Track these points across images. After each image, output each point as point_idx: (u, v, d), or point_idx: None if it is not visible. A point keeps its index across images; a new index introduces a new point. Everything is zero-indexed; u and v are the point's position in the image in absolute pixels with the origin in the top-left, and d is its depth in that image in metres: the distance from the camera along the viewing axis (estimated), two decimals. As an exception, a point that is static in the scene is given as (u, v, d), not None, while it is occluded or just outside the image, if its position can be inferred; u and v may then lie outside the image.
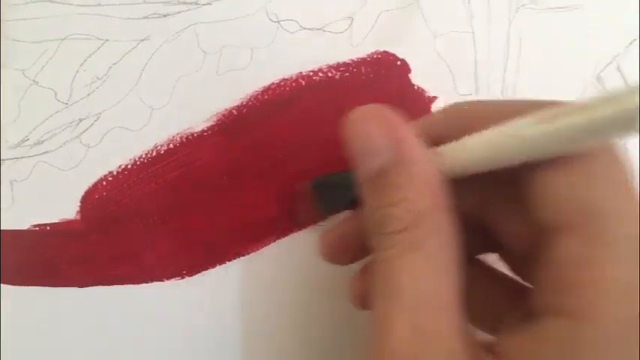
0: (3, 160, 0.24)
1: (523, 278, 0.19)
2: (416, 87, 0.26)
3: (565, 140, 0.14)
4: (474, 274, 0.19)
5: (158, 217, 0.25)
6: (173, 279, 0.25)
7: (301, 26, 0.25)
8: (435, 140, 0.16)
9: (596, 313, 0.14)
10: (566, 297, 0.14)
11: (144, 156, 0.25)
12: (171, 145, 0.25)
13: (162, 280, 0.25)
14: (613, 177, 0.15)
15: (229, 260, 0.25)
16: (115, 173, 0.25)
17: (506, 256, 0.20)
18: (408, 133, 0.15)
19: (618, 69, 0.27)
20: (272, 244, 0.25)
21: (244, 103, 0.25)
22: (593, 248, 0.14)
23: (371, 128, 0.15)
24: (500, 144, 0.15)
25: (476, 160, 0.16)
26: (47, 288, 0.24)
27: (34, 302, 0.24)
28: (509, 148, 0.15)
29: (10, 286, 0.24)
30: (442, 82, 0.26)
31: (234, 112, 0.25)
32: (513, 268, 0.20)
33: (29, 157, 0.24)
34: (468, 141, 0.16)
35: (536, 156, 0.15)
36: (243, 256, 0.25)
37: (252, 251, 0.25)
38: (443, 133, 0.16)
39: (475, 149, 0.15)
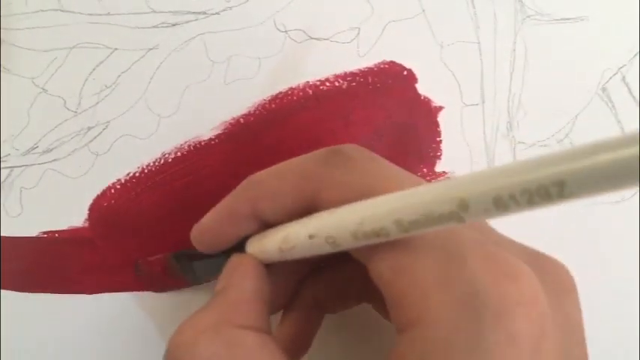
0: (12, 167, 0.25)
1: None
2: (422, 97, 0.26)
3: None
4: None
5: (166, 224, 0.25)
6: (181, 287, 0.25)
7: (309, 36, 0.26)
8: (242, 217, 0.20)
9: (421, 316, 0.15)
10: (398, 312, 0.16)
11: (152, 164, 0.25)
12: (178, 154, 0.25)
13: (173, 290, 0.25)
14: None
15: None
16: (123, 181, 0.25)
17: None
18: (243, 268, 0.19)
19: (623, 80, 0.27)
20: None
21: (252, 111, 0.25)
22: (398, 260, 0.16)
23: (227, 267, 0.20)
24: (283, 250, 0.18)
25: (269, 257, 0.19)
26: (51, 295, 0.25)
27: (36, 309, 0.24)
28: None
29: (12, 293, 0.24)
30: (448, 92, 0.26)
31: (242, 120, 0.25)
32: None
33: (38, 164, 0.25)
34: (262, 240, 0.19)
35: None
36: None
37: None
38: (244, 208, 0.19)
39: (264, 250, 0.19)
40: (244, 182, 0.20)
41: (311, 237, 0.17)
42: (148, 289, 0.25)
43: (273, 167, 0.20)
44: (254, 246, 0.20)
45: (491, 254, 0.15)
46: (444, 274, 0.15)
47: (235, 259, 0.20)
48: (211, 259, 0.21)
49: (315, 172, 0.18)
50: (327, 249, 0.17)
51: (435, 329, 0.14)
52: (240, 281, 0.19)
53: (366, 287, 0.21)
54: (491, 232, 0.18)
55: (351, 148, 0.19)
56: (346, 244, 0.16)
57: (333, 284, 0.22)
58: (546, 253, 0.17)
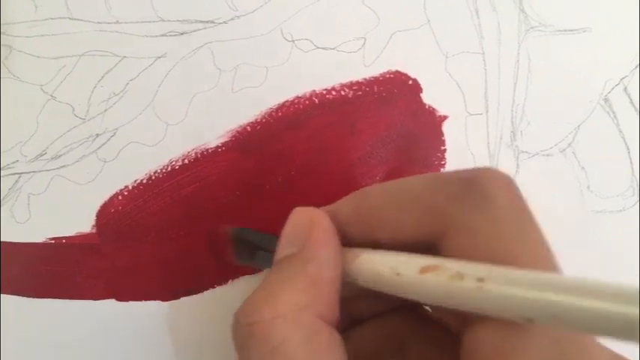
0: (21, 173, 0.25)
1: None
2: (427, 106, 0.26)
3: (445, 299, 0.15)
4: (418, 324, 0.20)
5: (172, 231, 0.25)
6: (188, 295, 0.25)
7: (315, 45, 0.26)
8: (346, 232, 0.18)
9: None
10: None
11: (159, 171, 0.25)
12: (186, 161, 0.25)
13: (178, 297, 0.25)
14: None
15: (245, 274, 0.25)
16: (130, 188, 0.25)
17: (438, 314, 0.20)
18: (321, 235, 0.17)
19: (625, 90, 0.27)
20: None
21: (258, 120, 0.25)
22: (509, 339, 0.14)
23: (297, 223, 0.18)
24: (386, 278, 0.16)
25: (365, 281, 0.17)
26: (57, 300, 0.25)
27: (41, 314, 0.25)
28: (392, 285, 0.16)
29: (18, 297, 0.25)
30: (453, 102, 0.26)
31: (249, 128, 0.25)
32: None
33: (46, 171, 0.25)
34: (357, 259, 0.17)
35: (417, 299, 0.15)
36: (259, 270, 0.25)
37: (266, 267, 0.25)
38: (353, 229, 0.18)
39: (364, 271, 0.17)
40: (358, 202, 0.18)
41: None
42: (159, 299, 0.25)
43: (396, 189, 0.17)
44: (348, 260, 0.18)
45: None
46: None
47: (305, 214, 0.18)
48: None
49: (444, 207, 0.16)
50: (440, 299, 0.15)
51: None
52: (319, 252, 0.17)
53: (404, 346, 0.20)
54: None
55: (490, 180, 0.15)
56: (473, 307, 0.14)
57: (368, 339, 0.20)
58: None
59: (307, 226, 0.17)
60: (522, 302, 0.13)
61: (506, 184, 0.16)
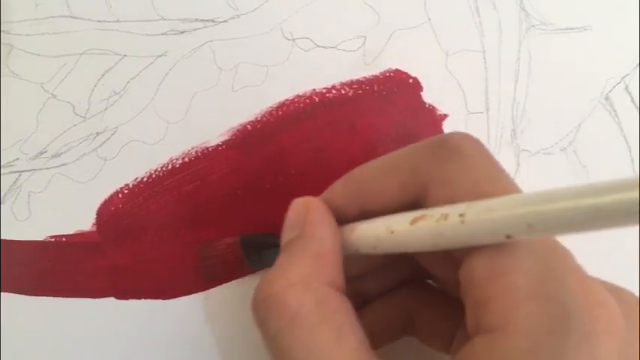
0: (21, 171, 0.25)
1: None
2: (427, 105, 0.26)
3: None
4: (424, 296, 0.22)
5: (172, 229, 0.25)
6: (187, 293, 0.25)
7: (315, 44, 0.26)
8: (341, 212, 0.20)
9: (507, 323, 0.15)
10: (481, 313, 0.15)
11: (159, 169, 0.25)
12: (186, 159, 0.25)
13: (177, 296, 0.25)
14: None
15: (246, 275, 0.25)
16: (130, 186, 0.25)
17: (440, 282, 0.22)
18: (316, 216, 0.19)
19: (626, 89, 0.27)
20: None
21: (259, 118, 0.25)
22: (498, 262, 0.15)
23: (295, 210, 0.20)
24: (383, 238, 0.18)
25: (366, 248, 0.18)
26: (56, 298, 0.25)
27: (40, 311, 0.25)
28: (389, 243, 0.17)
29: (18, 295, 0.25)
30: (453, 100, 0.26)
31: (249, 127, 0.25)
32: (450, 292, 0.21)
33: (47, 169, 0.25)
34: (355, 230, 0.19)
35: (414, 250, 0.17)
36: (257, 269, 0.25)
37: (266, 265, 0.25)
38: (347, 208, 0.20)
39: (363, 239, 0.18)
40: (347, 181, 0.20)
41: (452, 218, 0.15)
42: (159, 297, 0.25)
43: (378, 163, 0.19)
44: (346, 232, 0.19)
45: (586, 280, 0.15)
46: (540, 288, 0.15)
47: (301, 202, 0.20)
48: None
49: (422, 167, 0.18)
50: (432, 240, 0.16)
51: (519, 340, 0.14)
52: (317, 231, 0.19)
53: (414, 319, 0.22)
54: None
55: (459, 139, 0.18)
56: (458, 242, 0.15)
57: (379, 316, 0.22)
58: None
59: (304, 211, 0.19)
60: (499, 222, 0.14)
61: (472, 139, 0.18)
